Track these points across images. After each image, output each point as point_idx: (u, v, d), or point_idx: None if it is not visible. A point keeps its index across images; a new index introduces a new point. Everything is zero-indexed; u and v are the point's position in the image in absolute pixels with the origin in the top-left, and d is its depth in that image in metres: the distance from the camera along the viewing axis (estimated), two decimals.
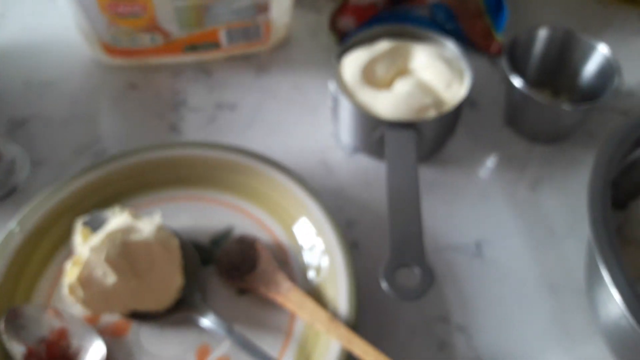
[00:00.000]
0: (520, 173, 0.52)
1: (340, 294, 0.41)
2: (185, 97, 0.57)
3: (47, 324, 0.41)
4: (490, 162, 0.53)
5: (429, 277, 0.38)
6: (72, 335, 0.41)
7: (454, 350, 0.42)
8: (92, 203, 0.46)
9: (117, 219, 0.41)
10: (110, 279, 0.38)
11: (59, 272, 0.44)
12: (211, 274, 0.44)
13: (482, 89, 0.57)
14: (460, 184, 0.51)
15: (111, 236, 0.39)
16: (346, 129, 0.52)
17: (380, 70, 0.51)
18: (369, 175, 0.51)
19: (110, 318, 0.42)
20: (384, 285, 0.38)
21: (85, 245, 0.39)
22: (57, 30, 0.61)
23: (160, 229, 0.41)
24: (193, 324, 0.41)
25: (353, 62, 0.51)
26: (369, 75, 0.51)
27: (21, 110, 0.55)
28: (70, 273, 0.39)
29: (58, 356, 0.39)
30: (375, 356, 0.37)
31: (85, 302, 0.39)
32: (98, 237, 0.39)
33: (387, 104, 0.48)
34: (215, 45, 0.57)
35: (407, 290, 0.38)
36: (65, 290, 0.39)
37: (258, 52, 0.60)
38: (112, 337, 0.41)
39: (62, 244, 0.45)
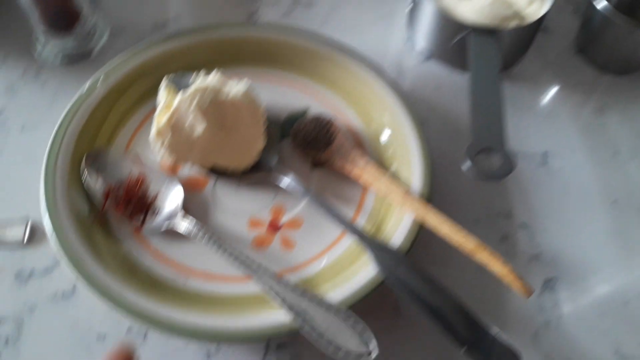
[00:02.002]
0: (587, 98, 0.53)
1: (414, 175, 0.42)
2: None
3: (126, 168, 0.42)
4: (558, 84, 0.53)
5: (510, 162, 0.39)
6: (150, 181, 0.42)
7: (516, 245, 0.43)
8: (176, 68, 0.47)
9: (208, 77, 0.42)
10: (199, 127, 0.39)
11: (139, 125, 0.45)
12: (286, 148, 0.45)
13: (556, 17, 0.57)
14: (528, 100, 0.52)
15: (203, 87, 0.40)
16: (424, 33, 0.52)
17: None
18: (440, 80, 0.52)
19: (189, 172, 0.43)
20: (466, 166, 0.39)
21: (176, 95, 0.40)
22: None
23: (248, 91, 0.41)
24: (268, 186, 0.42)
25: None
26: None
27: None
28: (160, 117, 0.40)
29: (135, 198, 0.40)
30: (449, 227, 0.38)
31: (171, 148, 0.40)
32: (190, 87, 0.40)
33: (471, 10, 0.49)
34: None
35: (489, 172, 0.38)
36: (153, 133, 0.40)
37: None
38: (189, 191, 0.42)
39: (144, 100, 0.46)
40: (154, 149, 0.41)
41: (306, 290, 0.36)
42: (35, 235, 0.41)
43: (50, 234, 0.37)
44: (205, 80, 0.41)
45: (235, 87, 0.41)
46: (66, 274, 0.39)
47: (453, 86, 0.52)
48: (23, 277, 0.39)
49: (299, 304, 0.35)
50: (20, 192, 0.42)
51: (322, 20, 0.55)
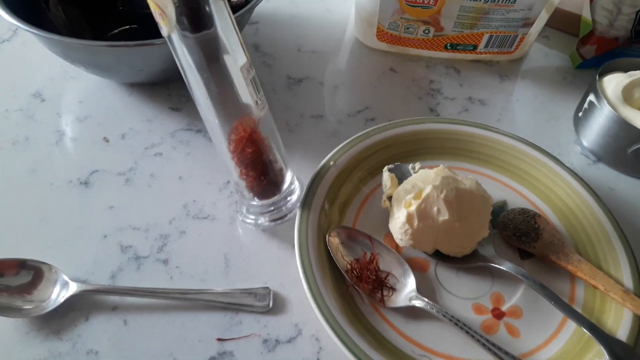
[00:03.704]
0: None
1: (623, 274, 0.45)
2: (439, 87, 0.63)
3: (362, 247, 0.46)
4: None
5: None
6: (382, 261, 0.45)
7: None
8: (389, 156, 0.52)
9: (438, 170, 0.46)
10: (443, 216, 0.43)
11: (361, 205, 0.49)
12: (495, 238, 0.49)
13: None
14: None
15: (447, 180, 0.44)
16: (599, 138, 0.57)
17: (637, 95, 0.57)
18: (610, 182, 0.56)
19: (413, 253, 0.47)
20: None
21: (425, 183, 0.44)
22: (315, 6, 0.69)
23: (478, 183, 0.46)
24: (485, 274, 0.46)
25: (614, 82, 0.57)
26: (626, 96, 0.56)
27: (297, 70, 0.62)
28: (410, 204, 0.44)
29: (372, 275, 0.44)
30: None
31: (415, 233, 0.44)
32: (436, 178, 0.44)
33: None
34: (472, 47, 0.64)
35: None
36: (399, 219, 0.44)
37: (498, 60, 0.67)
38: (414, 272, 0.46)
39: (361, 184, 0.51)
40: (396, 234, 0.45)
41: None
42: (276, 304, 0.44)
43: (313, 304, 0.41)
44: (441, 171, 0.46)
45: (465, 179, 0.46)
46: (308, 343, 0.42)
47: (624, 188, 0.56)
48: (270, 344, 0.42)
49: None
50: (255, 263, 0.46)
51: (497, 117, 0.61)
